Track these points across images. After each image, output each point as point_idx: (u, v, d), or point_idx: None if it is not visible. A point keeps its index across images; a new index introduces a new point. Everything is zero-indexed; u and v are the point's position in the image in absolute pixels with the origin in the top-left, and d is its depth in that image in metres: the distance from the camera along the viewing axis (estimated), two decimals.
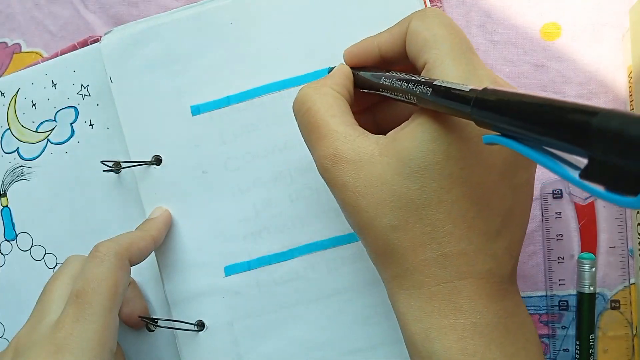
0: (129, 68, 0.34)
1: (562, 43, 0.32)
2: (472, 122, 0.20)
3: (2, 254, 0.38)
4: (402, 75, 0.24)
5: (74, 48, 0.37)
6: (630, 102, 0.31)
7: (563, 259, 0.32)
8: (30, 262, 0.37)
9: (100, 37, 0.35)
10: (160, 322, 0.34)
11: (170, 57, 0.33)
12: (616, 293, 0.32)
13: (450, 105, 0.20)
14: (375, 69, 0.27)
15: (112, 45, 0.34)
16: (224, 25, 0.33)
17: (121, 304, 0.29)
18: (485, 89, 0.19)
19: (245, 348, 0.33)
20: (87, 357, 0.26)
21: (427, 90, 0.22)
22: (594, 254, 0.32)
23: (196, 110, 0.33)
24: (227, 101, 0.33)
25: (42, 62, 0.37)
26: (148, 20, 0.34)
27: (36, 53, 0.39)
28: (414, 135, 0.22)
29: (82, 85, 0.36)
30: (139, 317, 0.34)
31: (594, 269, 0.31)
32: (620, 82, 0.32)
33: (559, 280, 0.32)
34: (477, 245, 0.23)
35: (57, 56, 0.37)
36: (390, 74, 0.25)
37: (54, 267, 0.37)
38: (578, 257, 0.32)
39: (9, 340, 0.29)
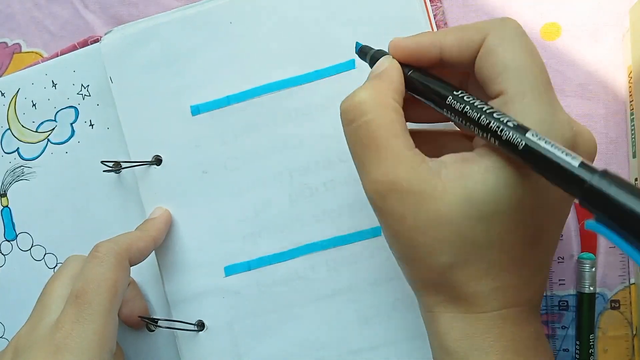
0: (129, 68, 0.34)
1: (562, 43, 0.32)
2: None
3: (2, 254, 0.38)
4: (479, 104, 0.21)
5: (74, 48, 0.37)
6: (630, 102, 0.31)
7: (563, 259, 0.32)
8: (30, 262, 0.37)
9: (100, 37, 0.35)
10: (160, 322, 0.34)
11: (170, 57, 0.33)
12: (616, 293, 0.32)
13: (548, 175, 0.19)
14: (427, 71, 0.24)
15: (112, 45, 0.34)
16: (223, 25, 0.33)
17: (121, 304, 0.29)
18: (605, 173, 0.17)
19: (245, 348, 0.33)
20: (86, 357, 0.26)
21: (519, 142, 0.19)
22: (594, 254, 0.32)
23: (196, 110, 0.33)
24: (227, 101, 0.33)
25: (42, 62, 0.37)
26: (148, 20, 0.34)
27: (36, 53, 0.39)
28: (486, 178, 0.21)
29: (82, 85, 0.36)
30: (139, 317, 0.34)
31: (594, 269, 0.31)
32: (620, 82, 0.32)
33: (559, 280, 0.32)
34: (526, 278, 0.23)
35: (57, 56, 0.37)
36: (461, 95, 0.22)
37: (54, 267, 0.37)
38: (578, 257, 0.32)
39: (9, 340, 0.29)
